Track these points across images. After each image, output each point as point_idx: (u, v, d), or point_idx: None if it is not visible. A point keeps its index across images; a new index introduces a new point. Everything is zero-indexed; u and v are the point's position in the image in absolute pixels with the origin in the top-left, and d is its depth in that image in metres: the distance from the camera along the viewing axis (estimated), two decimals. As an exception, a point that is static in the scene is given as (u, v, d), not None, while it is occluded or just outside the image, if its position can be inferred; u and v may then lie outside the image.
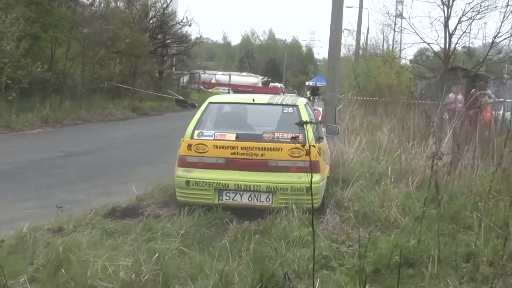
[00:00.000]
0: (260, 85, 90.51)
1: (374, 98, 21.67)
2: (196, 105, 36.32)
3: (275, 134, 7.66)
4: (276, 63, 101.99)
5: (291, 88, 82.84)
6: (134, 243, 6.46)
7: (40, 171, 11.84)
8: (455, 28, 22.53)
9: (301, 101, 8.45)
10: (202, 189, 7.53)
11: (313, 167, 7.19)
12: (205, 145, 7.59)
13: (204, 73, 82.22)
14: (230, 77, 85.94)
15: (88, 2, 28.98)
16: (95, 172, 11.91)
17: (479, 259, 5.44)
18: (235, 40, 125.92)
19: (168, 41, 42.61)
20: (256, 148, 7.51)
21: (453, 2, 22.29)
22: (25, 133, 18.50)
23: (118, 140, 17.80)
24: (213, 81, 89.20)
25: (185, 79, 63.55)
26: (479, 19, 22.43)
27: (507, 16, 21.48)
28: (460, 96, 17.10)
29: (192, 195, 7.57)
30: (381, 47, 34.01)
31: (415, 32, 23.50)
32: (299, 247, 6.09)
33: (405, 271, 5.38)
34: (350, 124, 15.92)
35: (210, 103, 8.48)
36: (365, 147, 10.73)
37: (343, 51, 30.06)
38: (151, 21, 39.91)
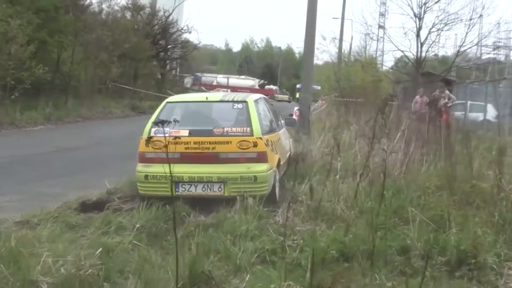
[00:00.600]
0: (257, 87, 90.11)
1: (350, 99, 21.38)
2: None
3: (225, 128, 7.60)
4: (272, 68, 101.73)
5: (284, 90, 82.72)
6: (92, 236, 6.09)
7: (29, 165, 11.44)
8: (426, 38, 22.89)
9: (251, 98, 8.27)
10: (160, 182, 7.29)
11: (260, 157, 7.32)
12: (161, 141, 7.04)
13: (204, 76, 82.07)
14: (228, 80, 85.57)
15: (97, 10, 28.73)
16: (80, 167, 11.50)
17: (411, 252, 5.05)
18: (236, 47, 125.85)
19: (170, 46, 42.18)
20: (207, 142, 7.45)
21: (424, 14, 22.64)
22: (27, 130, 18.12)
23: (112, 136, 17.40)
24: (214, 83, 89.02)
25: (189, 81, 63.25)
26: (447, 30, 22.75)
27: (471, 28, 21.88)
28: (425, 98, 16.88)
29: (151, 188, 7.39)
30: (362, 54, 33.73)
31: (391, 41, 23.76)
32: (245, 241, 5.71)
33: (340, 265, 5.00)
34: (325, 123, 15.58)
35: (167, 102, 8.37)
36: (329, 144, 10.28)
37: (328, 58, 29.91)
38: (153, 28, 39.44)
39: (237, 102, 8.11)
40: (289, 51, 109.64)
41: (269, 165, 7.46)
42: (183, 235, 6.03)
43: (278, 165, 8.10)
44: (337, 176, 7.21)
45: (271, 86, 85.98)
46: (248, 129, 7.52)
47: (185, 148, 7.32)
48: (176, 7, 39.35)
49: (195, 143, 7.42)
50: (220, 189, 7.36)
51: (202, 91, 64.60)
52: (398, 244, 5.22)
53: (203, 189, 7.38)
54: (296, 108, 16.73)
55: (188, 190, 7.37)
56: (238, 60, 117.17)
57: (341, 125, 13.65)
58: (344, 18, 32.60)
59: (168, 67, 44.71)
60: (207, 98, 8.72)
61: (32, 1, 21.65)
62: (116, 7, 33.95)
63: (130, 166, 10.78)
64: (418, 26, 22.97)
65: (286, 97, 72.57)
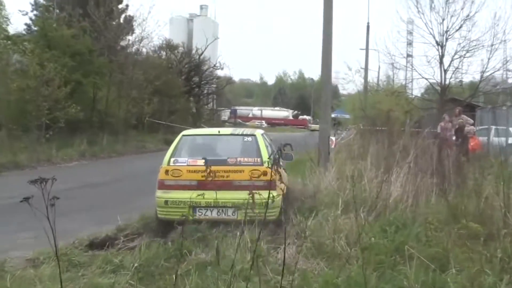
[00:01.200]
0: (291, 117, 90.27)
1: (375, 128, 20.85)
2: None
3: (237, 159, 7.92)
4: (305, 98, 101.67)
5: (318, 120, 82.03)
6: (91, 276, 5.82)
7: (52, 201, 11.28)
8: (449, 65, 22.33)
9: (259, 132, 8.77)
10: (178, 207, 7.61)
11: (270, 185, 6.70)
12: (180, 170, 7.86)
13: (240, 109, 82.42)
14: (262, 112, 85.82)
15: (133, 51, 29.09)
16: (102, 202, 11.33)
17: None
18: (271, 80, 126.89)
19: (203, 82, 42.45)
20: (222, 171, 7.64)
21: (446, 42, 22.14)
22: (62, 166, 18.17)
23: (140, 170, 17.22)
24: (250, 115, 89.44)
25: (226, 114, 63.56)
26: (469, 56, 22.06)
27: (493, 53, 21.20)
28: (449, 125, 16.33)
29: (171, 212, 7.61)
30: (389, 83, 33.19)
31: (415, 69, 23.33)
32: (239, 282, 5.32)
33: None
34: (347, 152, 15.12)
35: (183, 135, 8.71)
36: (342, 176, 9.84)
37: (354, 88, 29.55)
38: (186, 66, 39.80)
39: (247, 135, 8.55)
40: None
41: (277, 193, 7.11)
42: (182, 274, 5.71)
43: (283, 192, 7.91)
44: (339, 211, 6.73)
45: (305, 116, 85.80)
46: (259, 159, 7.85)
47: (202, 176, 7.41)
48: (207, 46, 39.62)
49: (211, 171, 7.13)
50: (234, 214, 7.60)
51: (238, 124, 64.86)
52: (394, 285, 4.73)
53: (218, 213, 7.67)
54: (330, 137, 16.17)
55: (204, 214, 7.64)
56: (272, 93, 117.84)
57: (361, 155, 13.15)
58: (369, 49, 32.15)
59: (203, 101, 44.86)
60: (219, 131, 9.13)
61: (68, 45, 22.03)
62: (151, 48, 34.43)
63: (147, 201, 10.65)
64: (440, 54, 22.42)
65: (317, 126, 71.94)
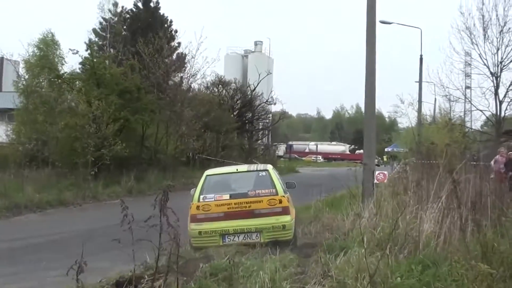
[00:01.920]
0: (348, 152, 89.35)
1: (428, 161, 20.26)
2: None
3: (256, 191, 9.49)
4: (362, 133, 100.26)
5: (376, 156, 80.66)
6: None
7: (89, 239, 11.43)
8: (504, 96, 21.70)
9: (270, 167, 10.34)
10: (210, 236, 9.13)
11: (285, 211, 9.33)
12: (209, 205, 9.31)
13: (296, 144, 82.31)
14: (317, 146, 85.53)
15: (183, 88, 29.57)
16: (136, 239, 11.32)
17: None
18: (328, 114, 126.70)
19: (255, 117, 42.68)
20: (244, 202, 9.28)
21: (500, 73, 21.56)
22: (107, 203, 18.43)
23: (183, 205, 17.28)
24: (306, 150, 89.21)
25: (282, 149, 63.50)
26: None
27: None
28: (503, 158, 15.77)
29: (203, 241, 9.10)
30: (447, 115, 32.41)
31: (469, 101, 22.82)
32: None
33: None
34: (394, 188, 14.64)
35: (207, 175, 10.13)
36: (381, 212, 9.53)
37: (407, 121, 29.08)
38: (238, 101, 40.21)
39: (261, 170, 10.12)
40: (379, 116, 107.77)
41: (291, 217, 9.42)
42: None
43: (295, 217, 9.97)
44: (363, 250, 6.44)
45: (361, 151, 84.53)
46: (274, 190, 9.44)
47: (228, 208, 9.24)
48: (259, 82, 39.92)
49: (235, 203, 9.30)
50: (257, 237, 9.12)
51: (293, 159, 64.69)
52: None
53: (244, 238, 9.14)
54: (378, 172, 15.66)
55: (233, 240, 9.09)
56: (329, 127, 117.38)
57: (405, 189, 12.69)
58: (422, 81, 31.48)
59: (256, 136, 45.04)
60: (237, 169, 10.68)
61: (117, 83, 22.63)
62: (203, 84, 34.99)
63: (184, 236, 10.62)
64: (495, 85, 21.80)
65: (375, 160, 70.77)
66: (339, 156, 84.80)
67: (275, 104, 43.57)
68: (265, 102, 42.62)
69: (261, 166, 10.58)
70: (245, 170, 10.50)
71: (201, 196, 9.39)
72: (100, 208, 17.35)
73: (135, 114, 23.17)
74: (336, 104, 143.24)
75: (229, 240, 9.08)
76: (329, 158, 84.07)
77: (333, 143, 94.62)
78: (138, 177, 22.24)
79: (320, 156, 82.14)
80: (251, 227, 9.10)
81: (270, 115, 45.30)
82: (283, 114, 45.99)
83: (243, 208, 9.22)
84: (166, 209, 5.49)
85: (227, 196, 9.32)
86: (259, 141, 45.80)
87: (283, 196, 9.39)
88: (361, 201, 12.07)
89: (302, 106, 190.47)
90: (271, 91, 43.58)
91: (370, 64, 13.71)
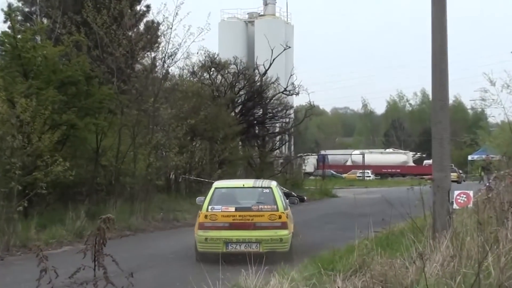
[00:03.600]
0: (411, 163, 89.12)
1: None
2: (305, 198, 35.24)
3: (259, 206, 15.61)
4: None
5: (452, 166, 79.81)
6: None
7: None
8: None
9: (273, 184, 16.77)
10: (215, 242, 15.00)
11: (283, 225, 15.24)
12: (216, 215, 15.27)
13: (332, 154, 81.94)
14: (364, 157, 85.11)
15: (160, 76, 29.26)
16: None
17: None
18: (379, 108, 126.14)
19: (269, 115, 42.33)
20: (248, 215, 15.33)
21: None
22: (44, 254, 18.02)
23: (157, 258, 16.97)
24: (349, 162, 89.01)
25: (309, 163, 62.02)
26: None
27: None
28: None
29: (208, 247, 15.09)
30: None
31: None
32: None
33: None
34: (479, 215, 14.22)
35: (216, 188, 16.33)
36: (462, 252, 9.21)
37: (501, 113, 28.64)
38: (241, 92, 39.97)
39: (265, 187, 16.33)
40: (458, 107, 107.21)
41: (288, 231, 15.30)
42: None
43: (293, 231, 15.86)
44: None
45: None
46: (275, 206, 15.46)
47: (232, 219, 15.26)
48: (273, 61, 39.80)
49: (239, 216, 15.32)
50: (257, 247, 14.87)
51: (328, 176, 64.19)
52: None
53: (245, 247, 14.84)
54: (458, 192, 14.98)
55: (235, 248, 14.97)
56: (382, 127, 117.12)
57: (499, 217, 12.30)
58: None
59: (270, 145, 44.64)
60: (243, 185, 17.49)
61: (55, 71, 22.37)
62: (187, 68, 34.68)
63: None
64: None
65: (454, 175, 70.02)
66: (398, 170, 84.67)
67: (297, 94, 43.10)
68: (282, 92, 42.45)
69: (265, 183, 16.91)
70: (251, 185, 16.99)
71: (210, 207, 15.41)
72: (32, 262, 16.94)
73: (84, 117, 23.00)
74: (391, 92, 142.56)
75: (232, 247, 14.99)
76: (383, 173, 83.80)
77: (388, 150, 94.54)
78: (92, 213, 21.94)
79: (369, 171, 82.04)
80: (252, 237, 15.05)
81: (292, 112, 44.90)
82: (311, 109, 45.49)
83: (246, 220, 15.21)
84: (102, 257, 5.16)
85: (232, 209, 15.46)
86: (276, 152, 45.30)
87: (283, 212, 15.39)
88: (431, 238, 12.07)
89: (338, 97, 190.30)
90: (292, 74, 43.06)
91: (438, 22, 13.26)
